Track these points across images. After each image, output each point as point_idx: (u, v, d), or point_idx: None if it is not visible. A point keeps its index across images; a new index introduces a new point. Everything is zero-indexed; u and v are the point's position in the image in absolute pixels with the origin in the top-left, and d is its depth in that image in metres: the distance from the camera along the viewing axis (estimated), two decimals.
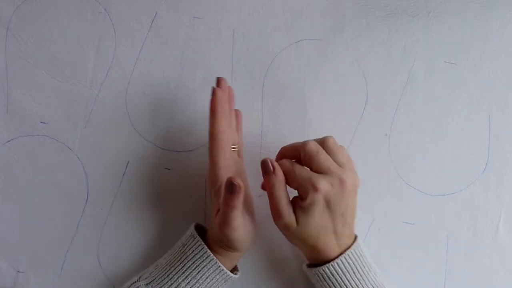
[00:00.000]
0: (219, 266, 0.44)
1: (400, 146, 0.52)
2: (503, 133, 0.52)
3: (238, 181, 0.40)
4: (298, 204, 0.43)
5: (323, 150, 0.44)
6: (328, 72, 0.53)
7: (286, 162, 0.44)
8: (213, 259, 0.44)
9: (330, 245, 0.44)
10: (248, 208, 0.46)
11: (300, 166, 0.44)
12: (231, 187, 0.40)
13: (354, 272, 0.44)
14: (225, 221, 0.42)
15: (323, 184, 0.42)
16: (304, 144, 0.44)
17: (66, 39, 0.53)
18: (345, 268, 0.43)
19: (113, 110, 0.53)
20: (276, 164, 0.43)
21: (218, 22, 0.53)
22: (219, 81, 0.47)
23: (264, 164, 0.43)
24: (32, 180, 0.52)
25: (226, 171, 0.44)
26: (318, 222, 0.43)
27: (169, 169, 0.52)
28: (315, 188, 0.42)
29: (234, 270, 0.48)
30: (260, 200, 0.52)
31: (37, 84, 0.53)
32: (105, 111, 0.53)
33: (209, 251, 0.44)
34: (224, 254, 0.45)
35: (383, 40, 0.53)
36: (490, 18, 0.53)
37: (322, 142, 0.44)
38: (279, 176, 0.43)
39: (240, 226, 0.42)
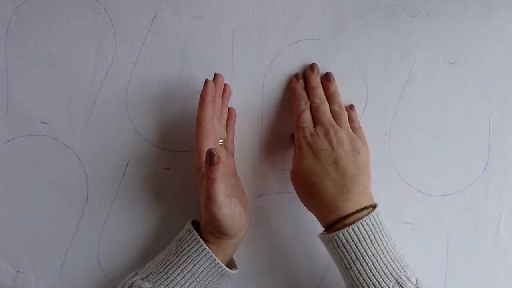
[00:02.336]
0: (214, 260, 0.44)
1: (400, 146, 0.52)
2: (503, 133, 0.52)
3: (217, 152, 0.40)
4: (295, 151, 0.49)
5: (328, 107, 0.50)
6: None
7: (302, 104, 0.50)
8: (208, 252, 0.44)
9: (331, 195, 0.44)
10: (236, 192, 0.47)
11: (308, 113, 0.49)
12: (211, 157, 0.40)
13: (371, 241, 0.42)
14: (209, 198, 0.42)
15: (308, 133, 0.48)
16: (313, 97, 0.50)
17: (66, 39, 0.53)
18: (361, 235, 0.42)
19: (113, 110, 0.53)
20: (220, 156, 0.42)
21: (218, 22, 0.53)
22: (215, 76, 0.50)
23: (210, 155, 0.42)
24: (32, 180, 0.52)
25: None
26: (308, 166, 0.46)
27: (169, 169, 0.52)
28: (303, 135, 0.48)
29: (232, 266, 0.48)
30: (260, 200, 0.52)
31: (37, 84, 0.53)
32: (105, 111, 0.53)
33: (204, 244, 0.44)
34: (217, 243, 0.45)
35: (383, 40, 0.53)
36: (490, 18, 0.53)
37: (333, 103, 0.50)
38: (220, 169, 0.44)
39: (225, 204, 0.42)
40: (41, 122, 0.53)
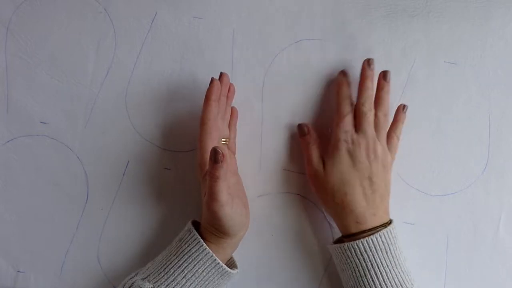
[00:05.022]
0: (215, 260, 0.44)
1: (400, 146, 0.52)
2: (503, 133, 0.52)
3: (222, 150, 0.41)
4: (327, 152, 0.49)
5: (373, 115, 0.49)
6: (328, 72, 0.53)
7: (347, 106, 0.49)
8: (208, 252, 0.44)
9: (361, 208, 0.46)
10: (238, 191, 0.47)
11: (351, 117, 0.49)
12: (215, 155, 0.41)
13: (386, 252, 0.44)
14: (211, 195, 0.42)
15: (350, 139, 0.47)
16: (363, 100, 0.49)
17: (66, 39, 0.53)
18: (379, 245, 0.44)
19: (113, 110, 0.53)
20: (310, 128, 0.51)
21: (218, 22, 0.53)
22: (221, 75, 0.49)
23: (300, 127, 0.51)
24: (32, 180, 0.52)
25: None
26: (342, 172, 0.47)
27: (169, 169, 0.52)
28: (344, 139, 0.47)
29: (232, 266, 0.48)
30: (260, 200, 0.52)
31: (37, 84, 0.53)
32: (105, 111, 0.53)
33: (204, 244, 0.44)
34: (217, 242, 0.45)
35: (383, 40, 0.53)
36: (490, 17, 0.53)
37: (380, 110, 0.49)
38: (313, 136, 0.51)
39: (227, 202, 0.43)
40: (41, 122, 0.53)
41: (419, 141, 0.52)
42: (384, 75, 0.50)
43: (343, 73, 0.51)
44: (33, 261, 0.52)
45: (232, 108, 0.52)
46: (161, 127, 0.53)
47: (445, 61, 0.53)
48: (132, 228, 0.52)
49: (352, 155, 0.47)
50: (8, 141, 0.53)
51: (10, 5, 0.53)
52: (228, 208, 0.43)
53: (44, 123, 0.53)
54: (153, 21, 0.53)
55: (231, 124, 0.51)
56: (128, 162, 0.52)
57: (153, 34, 0.53)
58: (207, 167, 0.43)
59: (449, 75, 0.53)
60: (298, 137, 0.52)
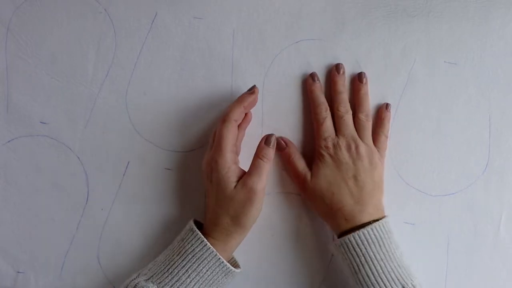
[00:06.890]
0: (219, 259, 0.45)
1: (400, 146, 0.52)
2: (503, 133, 0.52)
3: (274, 137, 0.46)
4: (314, 159, 0.50)
5: (351, 117, 0.50)
6: (328, 73, 0.53)
7: (323, 112, 0.50)
8: (213, 251, 0.44)
9: (348, 206, 0.47)
10: None
11: (329, 121, 0.50)
12: (269, 139, 0.46)
13: (380, 246, 0.44)
14: (257, 173, 0.45)
15: (330, 144, 0.48)
16: (337, 104, 0.50)
17: (66, 39, 0.53)
18: (371, 239, 0.44)
19: (113, 110, 0.53)
20: (287, 140, 0.51)
21: (218, 22, 0.53)
22: (253, 89, 0.50)
23: (278, 142, 0.50)
24: (32, 180, 0.52)
25: (231, 155, 0.46)
26: (328, 176, 0.48)
27: (169, 169, 0.52)
28: (325, 146, 0.48)
29: (234, 265, 0.48)
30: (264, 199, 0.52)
31: (37, 84, 0.53)
32: (105, 111, 0.53)
33: (208, 243, 0.44)
34: (224, 239, 0.46)
35: (383, 40, 0.53)
36: (490, 18, 0.53)
37: (360, 111, 0.51)
38: (292, 148, 0.51)
39: (263, 189, 0.46)
40: (41, 122, 0.53)
41: (419, 141, 0.52)
42: (359, 77, 0.51)
43: (312, 77, 0.52)
44: (33, 261, 0.52)
45: (247, 112, 0.52)
46: (161, 127, 0.53)
47: (445, 61, 0.53)
48: (133, 228, 0.52)
49: (334, 158, 0.48)
50: (8, 141, 0.53)
51: (10, 5, 0.53)
52: (263, 193, 0.46)
53: (44, 123, 0.53)
54: (153, 21, 0.53)
55: (241, 126, 0.51)
56: (129, 162, 0.52)
57: (153, 34, 0.53)
58: (228, 164, 0.45)
59: (449, 75, 0.53)
60: (279, 151, 0.51)
